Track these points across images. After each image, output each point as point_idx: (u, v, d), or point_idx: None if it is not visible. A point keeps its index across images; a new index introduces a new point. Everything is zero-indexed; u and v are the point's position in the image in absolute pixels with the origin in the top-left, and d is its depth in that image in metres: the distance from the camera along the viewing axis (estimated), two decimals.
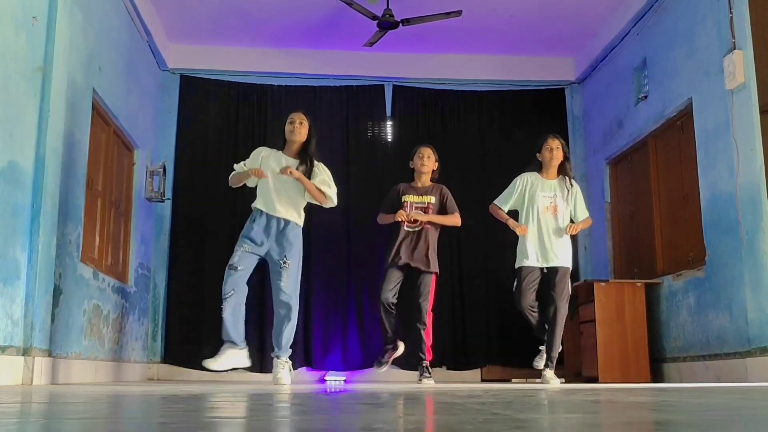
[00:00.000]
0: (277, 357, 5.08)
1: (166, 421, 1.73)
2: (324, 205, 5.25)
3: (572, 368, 6.81)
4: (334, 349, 7.43)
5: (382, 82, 8.05)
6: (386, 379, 7.30)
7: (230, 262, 4.98)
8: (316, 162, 5.15)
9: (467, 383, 6.40)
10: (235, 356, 5.05)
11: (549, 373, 5.50)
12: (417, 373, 5.78)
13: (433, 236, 5.78)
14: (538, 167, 5.67)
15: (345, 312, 7.50)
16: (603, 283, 6.37)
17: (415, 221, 5.68)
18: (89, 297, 5.53)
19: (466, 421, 1.64)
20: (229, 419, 1.78)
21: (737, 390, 3.44)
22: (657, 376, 6.30)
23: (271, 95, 7.92)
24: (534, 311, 5.50)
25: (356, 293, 7.57)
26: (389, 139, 8.03)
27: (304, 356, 7.44)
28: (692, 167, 5.92)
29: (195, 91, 7.83)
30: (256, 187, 5.17)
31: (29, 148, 4.49)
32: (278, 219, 5.03)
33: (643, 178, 6.91)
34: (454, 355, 7.53)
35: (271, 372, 5.47)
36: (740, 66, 5.15)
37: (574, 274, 7.73)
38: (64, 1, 4.80)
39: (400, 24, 6.59)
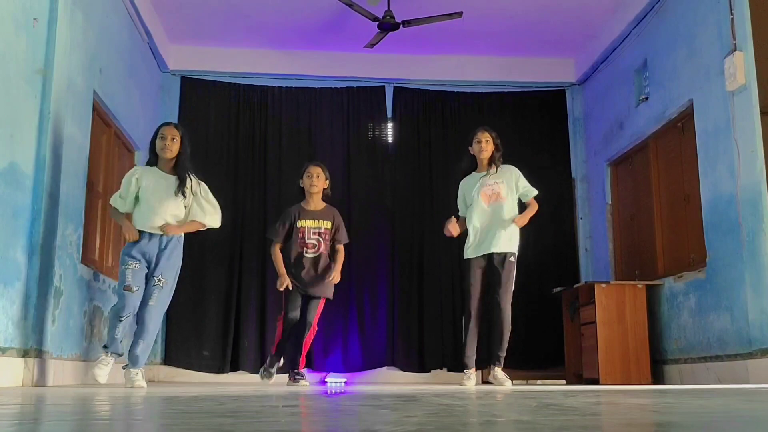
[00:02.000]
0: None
1: (167, 422, 1.73)
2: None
3: (573, 370, 6.81)
4: (334, 351, 7.43)
5: (382, 84, 8.05)
6: (387, 381, 7.30)
7: (124, 284, 4.70)
8: (194, 179, 4.94)
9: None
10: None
11: (500, 373, 5.42)
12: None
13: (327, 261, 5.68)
14: (472, 162, 5.66)
15: (346, 314, 7.50)
16: (604, 285, 6.37)
17: (313, 245, 5.61)
18: (89, 298, 5.53)
19: (467, 423, 1.64)
20: (229, 420, 1.77)
21: (738, 392, 3.44)
22: (658, 377, 6.30)
23: (272, 97, 7.93)
24: (477, 314, 5.45)
25: (357, 295, 7.57)
26: (390, 141, 8.03)
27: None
28: (693, 168, 5.92)
29: (196, 93, 7.83)
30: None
31: (30, 149, 4.49)
32: (160, 237, 4.79)
33: (644, 180, 6.91)
34: (454, 357, 7.51)
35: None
36: (741, 67, 5.15)
37: (575, 275, 7.75)
38: (65, 3, 4.81)
39: (401, 25, 6.60)
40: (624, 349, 6.16)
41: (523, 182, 5.58)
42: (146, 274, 4.75)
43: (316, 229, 5.65)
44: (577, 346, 6.73)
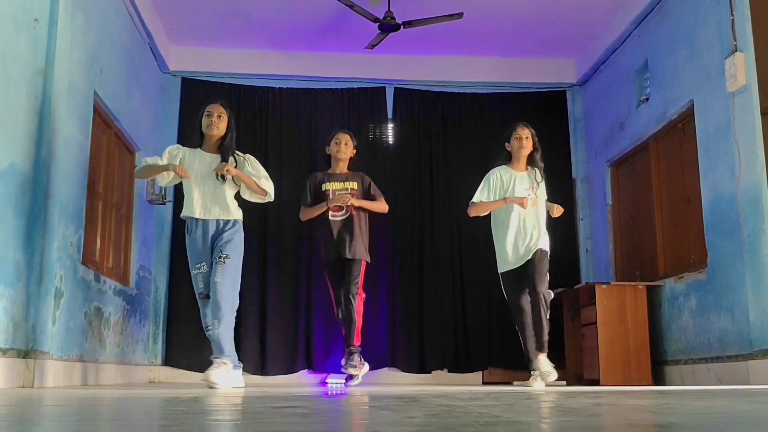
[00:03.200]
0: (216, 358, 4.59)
1: (167, 423, 1.73)
2: (261, 201, 4.96)
3: (574, 371, 6.81)
4: (335, 352, 7.42)
5: (383, 84, 8.05)
6: (387, 382, 7.30)
7: (198, 291, 4.71)
8: (241, 154, 4.83)
9: (469, 386, 6.39)
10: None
11: (545, 361, 5.30)
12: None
13: (361, 223, 5.60)
14: (507, 158, 5.54)
15: None
16: (604, 286, 6.37)
17: (340, 208, 5.50)
18: (90, 299, 5.53)
19: (467, 424, 1.64)
20: (229, 422, 1.77)
21: (739, 392, 3.43)
22: (658, 378, 6.29)
23: (273, 97, 7.93)
24: (527, 307, 5.36)
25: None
26: (390, 142, 8.03)
27: (305, 359, 7.44)
28: (694, 169, 5.91)
29: (196, 94, 7.82)
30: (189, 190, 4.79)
31: (30, 150, 4.49)
32: (216, 221, 4.74)
33: (645, 180, 6.91)
34: (455, 357, 7.52)
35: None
36: (741, 68, 5.15)
37: (576, 276, 7.74)
38: (65, 4, 4.81)
39: (402, 26, 6.60)
40: (625, 350, 6.16)
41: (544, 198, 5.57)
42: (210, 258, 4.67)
43: (342, 191, 5.57)
44: (577, 347, 6.73)
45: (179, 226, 7.58)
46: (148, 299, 7.28)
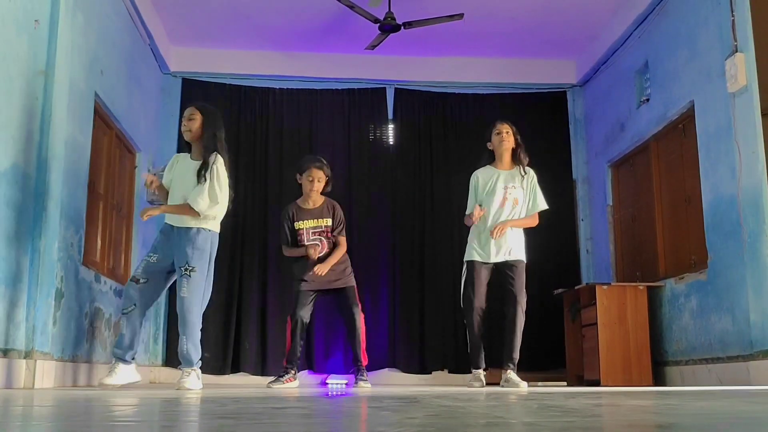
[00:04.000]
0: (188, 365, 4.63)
1: (168, 424, 1.73)
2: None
3: (574, 371, 6.81)
4: (335, 353, 7.43)
5: (383, 85, 8.06)
6: (388, 383, 7.29)
7: (134, 274, 4.69)
8: (213, 159, 4.55)
9: (469, 387, 6.38)
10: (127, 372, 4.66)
11: (514, 375, 5.20)
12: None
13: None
14: (491, 158, 5.48)
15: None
16: (605, 286, 6.36)
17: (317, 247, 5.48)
18: (91, 300, 5.53)
19: (468, 425, 1.64)
20: (230, 422, 1.77)
21: (740, 393, 3.43)
22: (659, 379, 6.29)
23: (273, 98, 7.93)
24: (482, 315, 5.28)
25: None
26: (391, 142, 8.03)
27: (305, 359, 7.44)
28: (694, 170, 5.91)
29: (197, 95, 7.82)
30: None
31: (31, 151, 4.49)
32: (179, 228, 4.59)
33: (645, 181, 6.91)
34: (455, 358, 7.52)
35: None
36: (742, 69, 5.15)
37: (576, 277, 7.74)
38: (66, 5, 4.81)
39: (402, 27, 6.60)
40: (625, 351, 6.16)
41: (537, 194, 5.40)
42: (170, 266, 4.61)
43: (315, 228, 5.53)
44: (578, 348, 6.73)
45: None
46: None
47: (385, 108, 8.04)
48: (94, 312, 5.62)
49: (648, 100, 6.76)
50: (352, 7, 6.32)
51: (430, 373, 7.50)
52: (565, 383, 6.95)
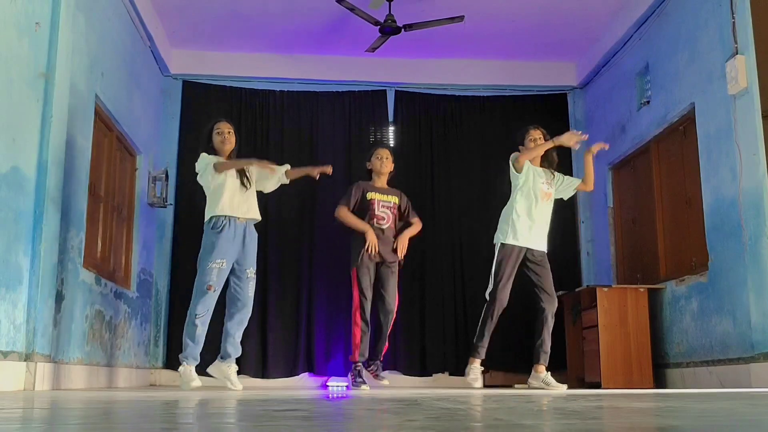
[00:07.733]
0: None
1: (168, 427, 1.73)
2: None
3: (575, 374, 6.80)
4: (336, 355, 7.42)
5: (384, 88, 8.06)
6: (388, 385, 7.28)
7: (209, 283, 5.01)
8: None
9: (470, 389, 6.38)
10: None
11: (551, 378, 5.48)
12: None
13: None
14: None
15: (347, 317, 7.48)
16: (606, 289, 6.36)
17: (383, 218, 5.82)
18: (91, 302, 5.53)
19: (469, 427, 1.64)
20: (230, 423, 1.77)
21: (741, 396, 3.43)
22: (660, 381, 6.29)
23: (274, 101, 7.93)
24: (501, 312, 5.47)
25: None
26: (392, 144, 8.02)
27: (306, 362, 7.43)
28: (695, 172, 5.91)
29: (197, 97, 7.83)
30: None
31: (32, 153, 4.50)
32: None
33: (646, 183, 6.91)
34: (456, 360, 7.51)
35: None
36: (743, 71, 5.15)
37: (577, 279, 7.74)
38: (67, 7, 4.81)
39: (402, 29, 6.60)
40: (626, 353, 6.15)
41: (567, 178, 5.81)
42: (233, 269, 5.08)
43: (385, 202, 5.87)
44: (579, 350, 6.72)
45: (180, 229, 7.61)
46: (149, 302, 7.28)
47: (386, 110, 8.04)
48: (95, 314, 5.62)
49: (648, 102, 6.76)
50: (352, 9, 6.32)
51: (431, 375, 7.49)
52: (566, 385, 6.94)
